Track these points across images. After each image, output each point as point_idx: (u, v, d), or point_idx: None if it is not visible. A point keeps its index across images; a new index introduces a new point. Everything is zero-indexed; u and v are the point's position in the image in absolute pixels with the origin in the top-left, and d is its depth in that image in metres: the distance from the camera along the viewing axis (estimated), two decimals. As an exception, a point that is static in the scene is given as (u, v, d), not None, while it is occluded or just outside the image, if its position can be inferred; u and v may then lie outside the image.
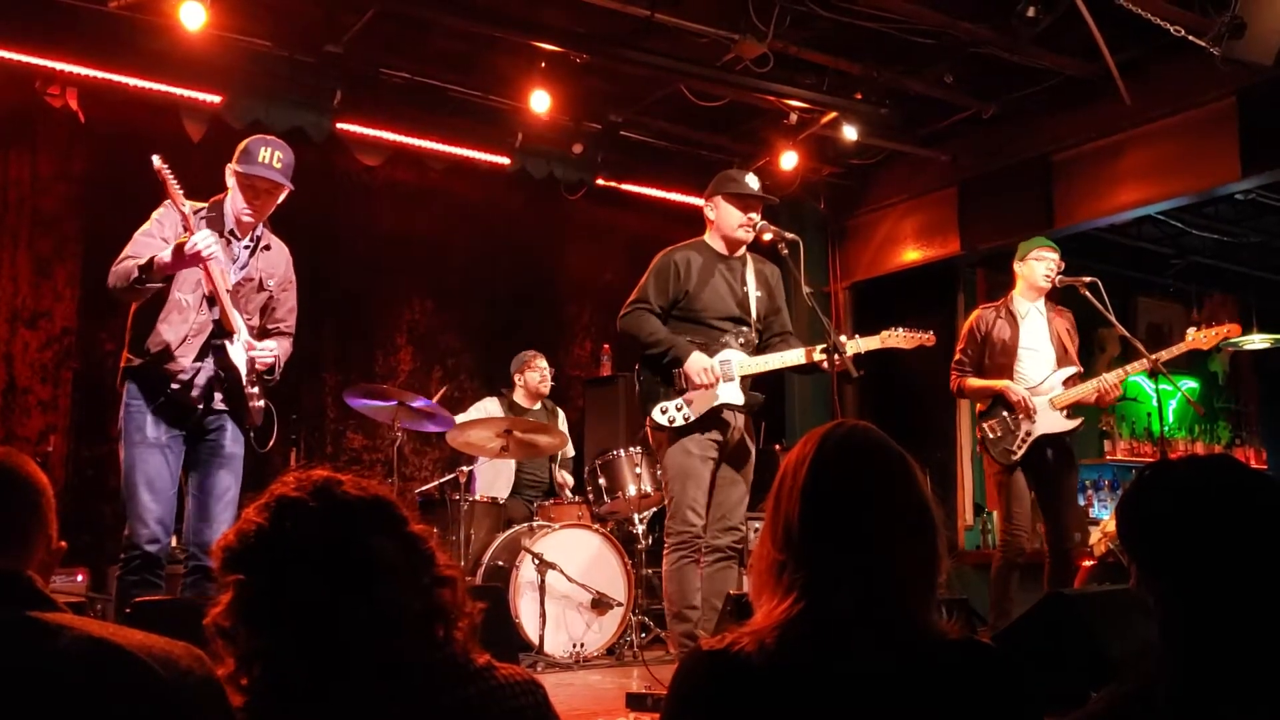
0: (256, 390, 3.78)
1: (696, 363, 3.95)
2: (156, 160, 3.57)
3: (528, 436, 5.54)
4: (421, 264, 7.27)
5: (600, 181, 7.27)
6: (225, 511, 3.68)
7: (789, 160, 7.03)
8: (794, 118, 6.68)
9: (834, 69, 6.31)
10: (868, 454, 1.46)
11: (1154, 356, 4.74)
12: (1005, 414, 4.86)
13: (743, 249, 4.23)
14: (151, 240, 3.62)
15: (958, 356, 5.07)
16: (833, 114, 6.64)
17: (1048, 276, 4.92)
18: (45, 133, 6.05)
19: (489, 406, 6.17)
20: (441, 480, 5.94)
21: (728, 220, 4.14)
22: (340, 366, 6.83)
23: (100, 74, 5.72)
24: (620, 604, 5.41)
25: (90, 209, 6.06)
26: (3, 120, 5.94)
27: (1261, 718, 1.33)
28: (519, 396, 6.23)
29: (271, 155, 3.69)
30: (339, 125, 6.29)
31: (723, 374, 3.99)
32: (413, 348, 7.20)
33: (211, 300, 3.64)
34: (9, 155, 5.99)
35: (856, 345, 4.08)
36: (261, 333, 3.90)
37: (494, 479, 6.05)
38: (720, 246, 4.19)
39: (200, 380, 3.66)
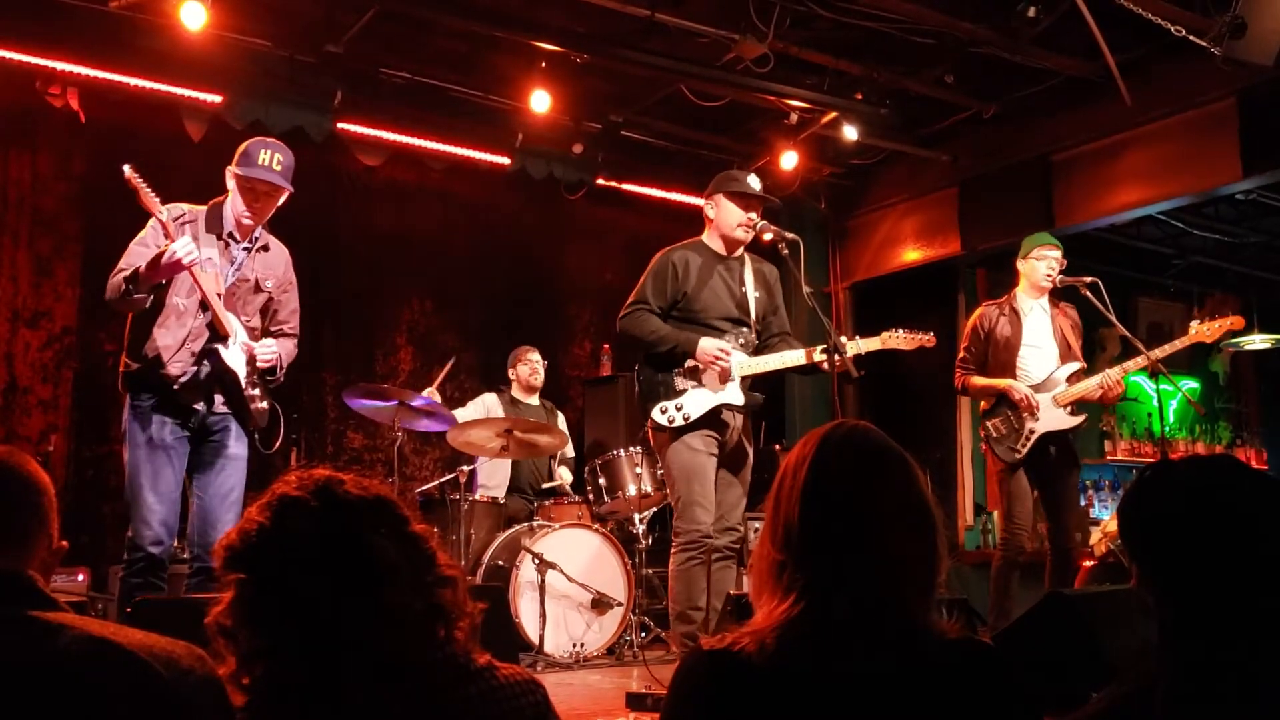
0: (258, 392, 3.78)
1: (708, 344, 3.95)
2: (127, 170, 3.54)
3: (528, 436, 5.54)
4: (421, 264, 7.28)
5: (600, 181, 7.27)
6: (229, 512, 3.68)
7: (789, 160, 7.03)
8: (794, 118, 6.69)
9: (834, 69, 6.31)
10: (868, 454, 1.46)
11: (1156, 353, 4.74)
12: (1008, 412, 4.86)
13: (741, 249, 4.23)
14: (145, 250, 3.60)
15: (961, 355, 5.08)
16: (833, 114, 6.64)
17: (1048, 276, 4.92)
18: (46, 133, 6.05)
19: (488, 402, 6.18)
20: (442, 480, 5.95)
21: (727, 219, 4.14)
22: (340, 366, 6.83)
23: (101, 74, 5.72)
24: (620, 604, 5.42)
25: (90, 209, 6.06)
26: (3, 120, 5.94)
27: (1261, 717, 1.33)
28: (515, 391, 6.28)
29: (271, 158, 3.68)
30: (339, 125, 6.30)
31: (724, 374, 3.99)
32: (413, 348, 7.20)
33: (206, 305, 3.64)
34: (9, 155, 5.99)
35: (857, 346, 4.07)
36: (264, 334, 3.89)
37: (493, 479, 6.05)
38: (719, 246, 4.19)
39: (199, 383, 3.66)
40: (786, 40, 5.78)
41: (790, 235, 4.11)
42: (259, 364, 3.77)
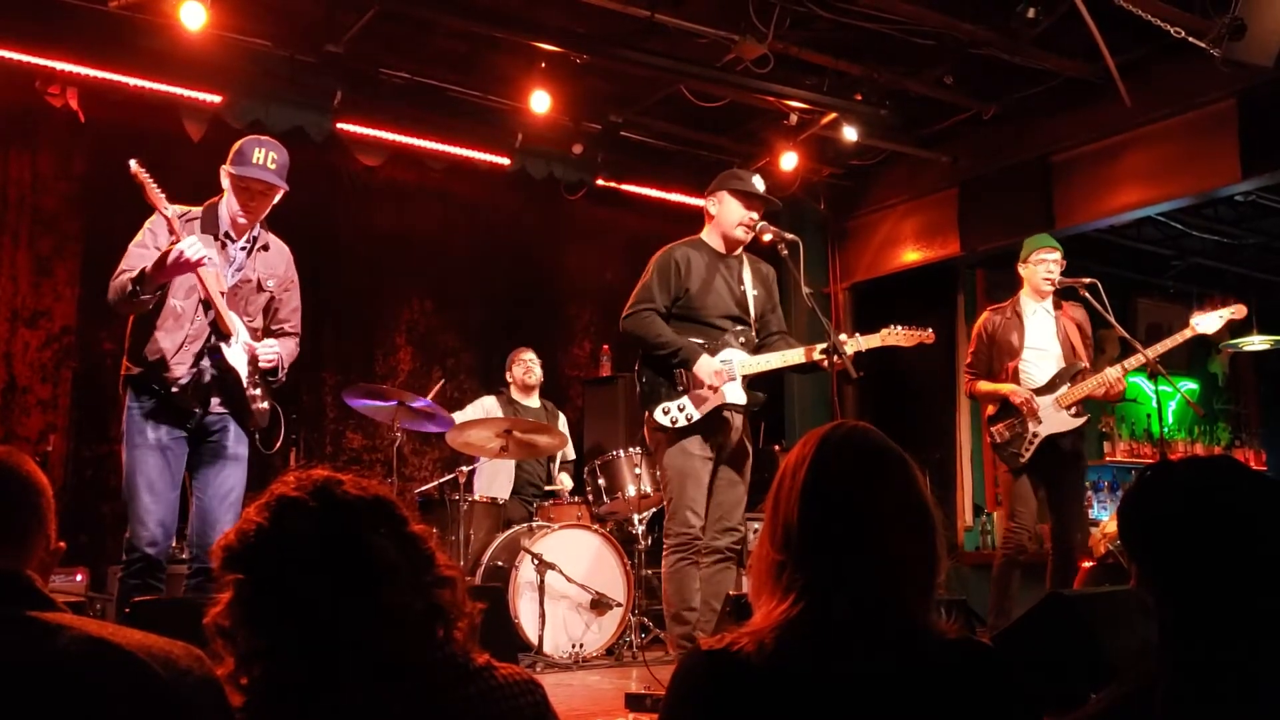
0: (259, 392, 3.77)
1: (706, 366, 3.94)
2: (134, 164, 3.52)
3: (527, 437, 5.54)
4: (421, 264, 7.28)
5: (600, 182, 7.27)
6: (229, 513, 3.67)
7: (789, 161, 7.03)
8: (794, 118, 6.69)
9: (834, 70, 6.31)
10: (867, 455, 1.46)
11: (1156, 348, 4.74)
12: (1012, 417, 4.88)
13: (740, 249, 4.23)
14: (145, 251, 3.58)
15: (969, 359, 5.14)
16: (833, 115, 6.64)
17: (1048, 279, 4.93)
18: (45, 132, 6.05)
19: (487, 404, 6.18)
20: (441, 480, 5.94)
21: (729, 216, 4.13)
22: (340, 366, 6.83)
23: (100, 74, 5.72)
24: (619, 604, 5.42)
25: (90, 208, 6.06)
26: (3, 120, 5.94)
27: (1261, 717, 1.33)
28: (514, 393, 6.29)
29: (266, 156, 3.66)
30: (339, 125, 6.30)
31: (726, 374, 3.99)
32: (412, 348, 7.20)
33: (208, 305, 3.63)
34: (9, 155, 5.99)
35: (857, 344, 4.07)
36: (265, 334, 3.88)
37: (493, 479, 6.05)
38: (718, 244, 4.19)
39: (199, 384, 3.66)
40: (786, 41, 5.78)
41: (790, 236, 4.11)
42: (261, 364, 3.76)
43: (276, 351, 3.79)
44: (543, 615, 5.16)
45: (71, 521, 5.51)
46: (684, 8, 5.64)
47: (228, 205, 3.73)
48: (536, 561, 5.20)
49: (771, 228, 4.16)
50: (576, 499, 5.93)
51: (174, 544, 3.85)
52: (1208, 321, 4.79)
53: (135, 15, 5.54)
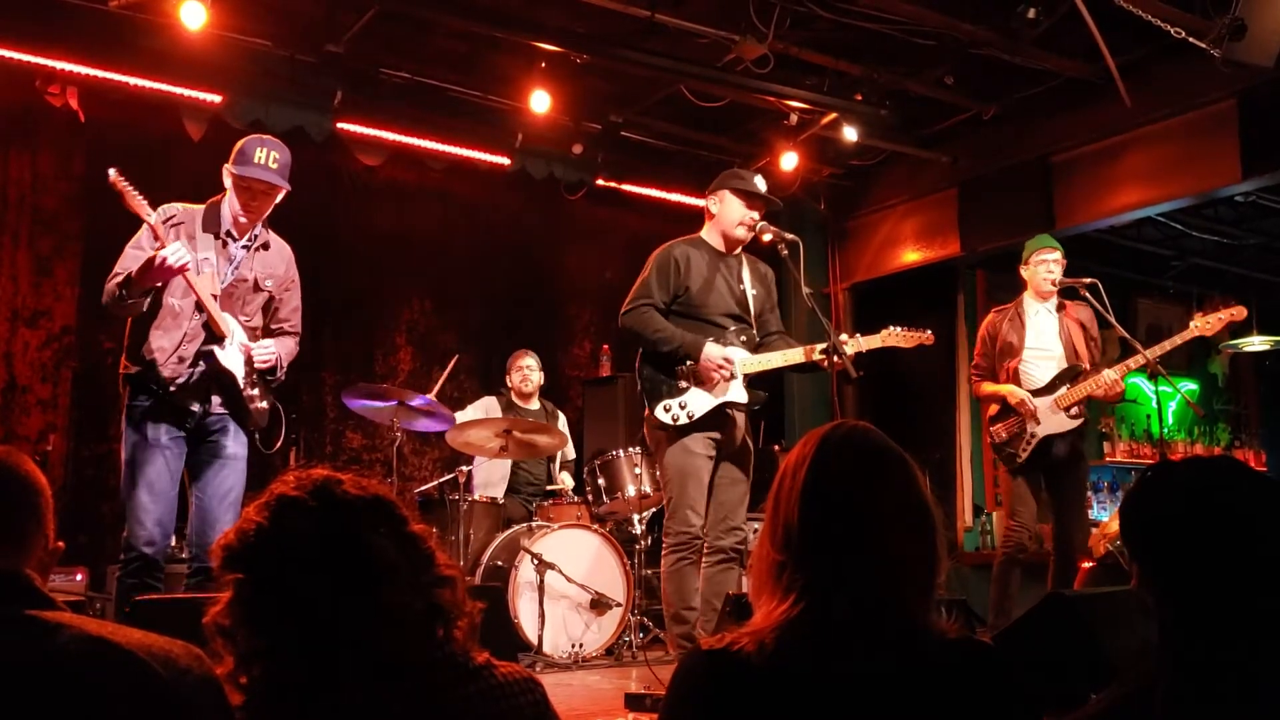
0: (257, 392, 3.77)
1: (712, 354, 3.93)
2: (113, 174, 3.50)
3: (527, 436, 5.54)
4: (421, 264, 7.27)
5: (600, 182, 7.27)
6: (228, 513, 3.66)
7: (789, 161, 7.03)
8: (794, 118, 6.69)
9: (834, 70, 6.31)
10: (867, 455, 1.46)
11: (1155, 350, 4.75)
12: (1012, 417, 4.90)
13: (739, 248, 4.23)
14: (140, 253, 3.57)
15: (975, 361, 5.19)
16: (833, 115, 6.63)
17: (1049, 279, 4.95)
18: (45, 132, 6.05)
19: (488, 405, 6.18)
20: (441, 480, 5.94)
21: (730, 215, 4.13)
22: (340, 366, 6.83)
23: (101, 73, 5.72)
24: (619, 604, 5.41)
25: (90, 208, 6.05)
26: (3, 120, 5.94)
27: (1261, 717, 1.33)
28: (513, 396, 6.28)
29: (267, 156, 3.66)
30: (339, 125, 6.29)
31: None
32: (412, 348, 7.20)
33: (202, 306, 3.63)
34: (9, 154, 5.99)
35: (857, 344, 4.08)
36: (265, 333, 3.88)
37: (488, 478, 6.04)
38: (718, 243, 4.19)
39: (196, 384, 3.65)
40: (786, 41, 5.78)
41: (790, 236, 4.11)
42: (257, 365, 3.75)
43: (273, 352, 3.78)
44: (542, 615, 5.16)
45: (71, 521, 5.51)
46: (684, 8, 5.64)
47: (230, 204, 3.73)
48: (536, 561, 5.20)
49: (772, 228, 4.16)
50: (577, 499, 5.93)
51: (173, 543, 3.85)
52: (1208, 325, 4.79)
53: (135, 15, 5.53)
